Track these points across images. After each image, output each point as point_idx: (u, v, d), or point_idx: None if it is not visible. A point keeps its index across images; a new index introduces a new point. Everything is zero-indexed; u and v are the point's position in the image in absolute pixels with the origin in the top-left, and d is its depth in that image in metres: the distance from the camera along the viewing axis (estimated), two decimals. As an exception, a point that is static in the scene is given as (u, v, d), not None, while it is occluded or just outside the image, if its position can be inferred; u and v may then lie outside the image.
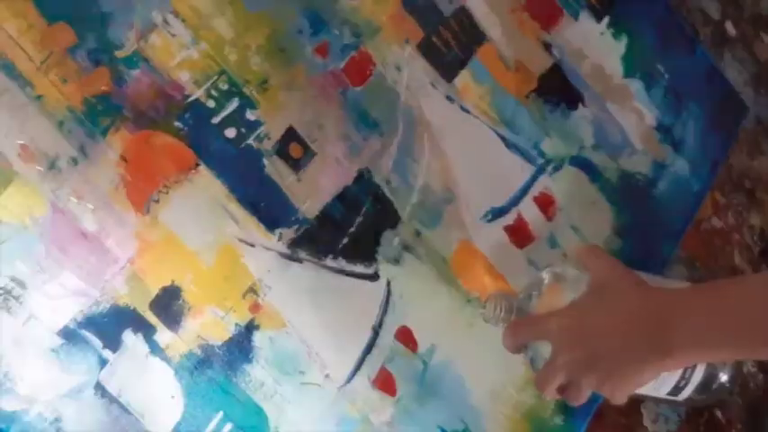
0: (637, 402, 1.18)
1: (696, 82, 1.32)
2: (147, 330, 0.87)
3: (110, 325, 0.86)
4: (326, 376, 0.96)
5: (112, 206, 0.88)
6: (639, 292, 0.86)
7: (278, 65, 0.99)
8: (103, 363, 0.85)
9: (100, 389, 0.84)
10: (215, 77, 0.95)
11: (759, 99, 1.40)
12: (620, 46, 1.26)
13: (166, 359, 0.88)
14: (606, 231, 1.19)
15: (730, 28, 1.41)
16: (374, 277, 1.01)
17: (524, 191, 1.13)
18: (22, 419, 0.80)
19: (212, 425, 0.89)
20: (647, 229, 1.22)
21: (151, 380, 0.87)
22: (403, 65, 1.08)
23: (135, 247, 0.88)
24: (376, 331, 1.00)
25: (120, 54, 0.91)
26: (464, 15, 1.14)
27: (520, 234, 1.12)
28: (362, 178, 1.02)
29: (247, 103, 0.97)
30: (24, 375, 0.81)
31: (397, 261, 1.02)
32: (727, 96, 1.35)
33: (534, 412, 1.08)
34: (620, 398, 0.85)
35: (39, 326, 0.82)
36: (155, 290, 0.88)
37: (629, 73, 1.26)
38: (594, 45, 1.24)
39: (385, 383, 0.99)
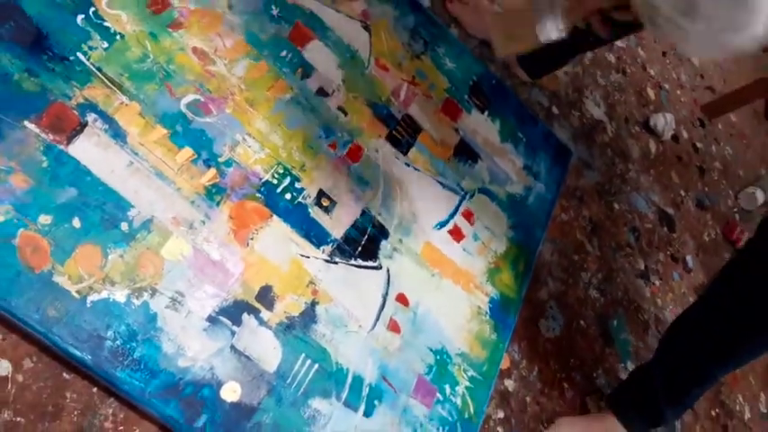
0: (535, 322, 1.17)
1: (541, 140, 1.33)
2: (255, 312, 0.86)
3: (234, 312, 0.84)
4: (360, 326, 0.94)
5: (227, 244, 0.87)
6: None
7: (309, 156, 0.99)
8: (233, 334, 0.83)
9: (233, 349, 0.83)
10: (275, 166, 0.95)
11: (577, 147, 1.41)
12: (496, 125, 1.27)
13: (268, 327, 0.86)
14: (504, 228, 1.19)
15: (555, 110, 1.43)
16: (379, 267, 1.00)
17: (456, 210, 1.13)
18: (191, 370, 0.79)
19: (299, 361, 0.87)
20: (527, 224, 1.21)
21: (261, 340, 0.85)
22: (379, 148, 1.08)
23: (242, 266, 0.87)
24: (384, 298, 0.98)
25: (221, 160, 0.91)
26: (408, 118, 1.14)
27: (456, 235, 1.11)
28: (365, 213, 1.02)
29: (295, 178, 0.97)
30: (189, 346, 0.80)
31: (390, 257, 1.02)
32: (559, 147, 1.36)
33: (480, 334, 1.07)
34: None
35: (194, 317, 0.81)
36: (257, 288, 0.87)
37: (503, 140, 1.27)
38: (482, 126, 1.25)
39: (394, 327, 0.98)
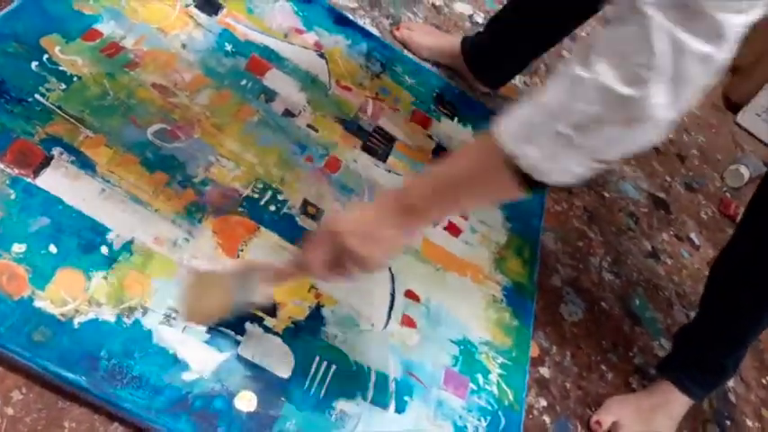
0: (555, 308, 1.11)
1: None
2: (258, 320, 0.81)
3: (235, 321, 0.79)
4: (372, 325, 0.89)
5: (216, 258, 0.83)
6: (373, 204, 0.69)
7: (287, 170, 0.98)
8: (237, 343, 0.78)
9: (240, 358, 0.77)
10: (254, 182, 0.93)
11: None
12: (468, 130, 1.27)
13: (275, 333, 0.81)
14: (500, 220, 1.16)
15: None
16: (380, 267, 0.95)
17: (447, 208, 1.10)
18: (198, 383, 0.72)
19: (315, 363, 0.81)
20: (522, 215, 1.18)
21: (269, 347, 0.80)
22: (357, 159, 1.07)
23: (237, 277, 0.82)
24: (392, 295, 0.93)
25: (196, 180, 0.89)
26: (380, 130, 1.14)
27: (453, 230, 1.08)
28: (355, 218, 0.98)
29: (276, 191, 0.94)
30: (192, 359, 0.74)
31: (390, 256, 0.97)
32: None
33: (500, 321, 1.01)
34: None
35: (192, 330, 0.76)
36: (256, 297, 0.82)
37: (479, 142, 1.26)
38: (455, 131, 1.25)
39: (408, 322, 0.92)
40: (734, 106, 2.12)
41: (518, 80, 1.51)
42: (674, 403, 1.01)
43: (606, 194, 1.42)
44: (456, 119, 1.27)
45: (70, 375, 0.66)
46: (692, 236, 1.50)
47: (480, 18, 1.56)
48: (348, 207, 0.73)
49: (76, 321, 0.69)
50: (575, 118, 0.53)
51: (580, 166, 0.56)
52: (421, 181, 0.66)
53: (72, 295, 0.71)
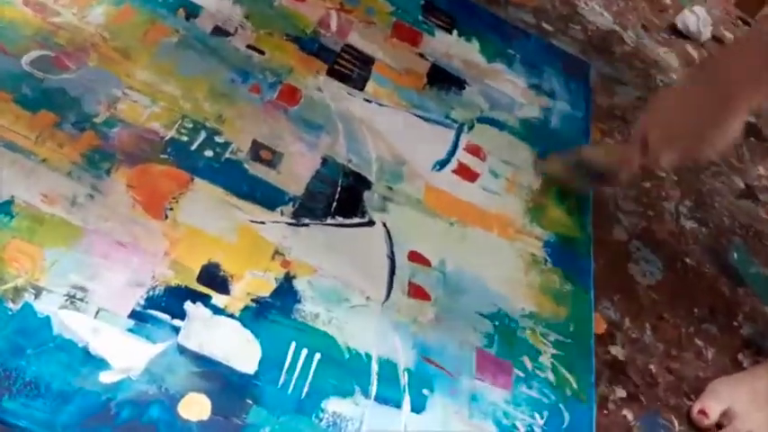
0: (622, 268, 1.08)
1: (541, 54, 1.32)
2: (203, 298, 0.77)
3: (170, 301, 0.76)
4: (368, 298, 0.85)
5: (136, 219, 0.80)
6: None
7: (225, 104, 0.95)
8: (177, 330, 0.74)
9: (182, 349, 0.73)
10: (179, 121, 0.91)
11: (593, 62, 1.39)
12: (474, 45, 1.25)
13: (229, 315, 0.77)
14: (531, 158, 1.13)
15: (546, 26, 1.43)
16: (370, 223, 0.93)
17: (455, 145, 1.08)
18: (123, 386, 0.69)
19: (290, 353, 0.77)
20: (561, 149, 1.15)
21: (222, 333, 0.76)
22: (322, 87, 1.04)
23: (166, 243, 0.79)
24: (391, 258, 0.90)
25: (97, 120, 0.86)
26: (350, 49, 1.12)
27: (466, 173, 1.05)
28: (327, 162, 0.96)
29: (213, 132, 0.92)
30: (112, 353, 0.70)
31: (383, 209, 0.95)
32: (568, 59, 1.35)
33: (546, 286, 0.98)
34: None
35: (109, 316, 0.72)
36: (196, 268, 0.79)
37: (490, 60, 1.24)
38: (455, 48, 1.23)
39: (417, 293, 0.89)
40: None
41: (535, -18, 1.50)
42: (803, 378, 0.98)
43: (674, 121, 1.40)
44: (455, 32, 1.25)
45: (-66, 383, 0.62)
46: (799, 168, 1.49)
47: None
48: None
49: (-62, 310, 0.66)
50: None
51: None
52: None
53: (-71, 277, 0.67)
